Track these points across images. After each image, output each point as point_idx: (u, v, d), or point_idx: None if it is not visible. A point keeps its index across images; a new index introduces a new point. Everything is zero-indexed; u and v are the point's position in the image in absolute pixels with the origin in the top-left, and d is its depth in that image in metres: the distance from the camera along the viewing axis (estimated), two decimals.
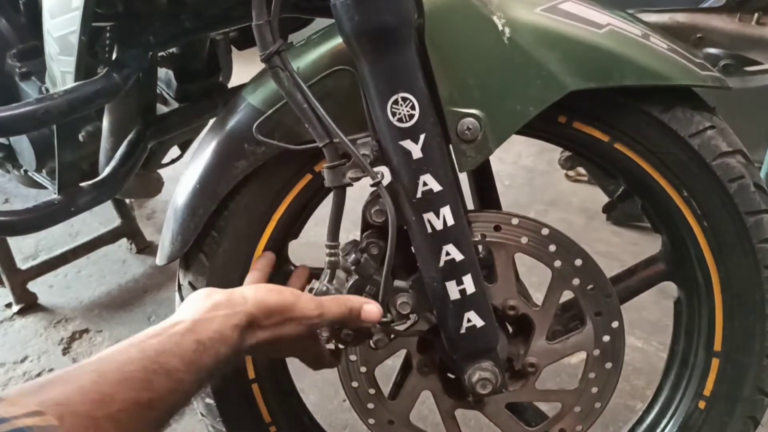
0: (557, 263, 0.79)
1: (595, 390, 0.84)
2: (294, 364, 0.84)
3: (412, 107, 0.66)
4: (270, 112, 0.72)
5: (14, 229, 1.10)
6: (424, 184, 0.68)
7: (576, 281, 0.80)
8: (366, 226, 0.75)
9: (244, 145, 0.76)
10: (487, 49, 0.69)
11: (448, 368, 0.85)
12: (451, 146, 0.71)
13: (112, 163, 1.14)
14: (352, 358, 0.83)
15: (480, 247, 0.82)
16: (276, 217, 0.82)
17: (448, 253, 0.71)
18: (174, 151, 1.64)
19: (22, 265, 1.82)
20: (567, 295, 0.82)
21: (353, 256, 0.74)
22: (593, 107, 0.76)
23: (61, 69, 0.96)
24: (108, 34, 0.99)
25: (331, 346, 0.77)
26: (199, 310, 0.61)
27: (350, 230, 0.75)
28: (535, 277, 0.94)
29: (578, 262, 0.79)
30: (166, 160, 1.54)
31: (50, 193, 1.11)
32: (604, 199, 2.01)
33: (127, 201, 2.05)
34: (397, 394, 0.87)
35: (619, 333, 0.82)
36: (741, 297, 0.82)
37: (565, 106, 0.73)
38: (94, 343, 1.69)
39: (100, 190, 1.13)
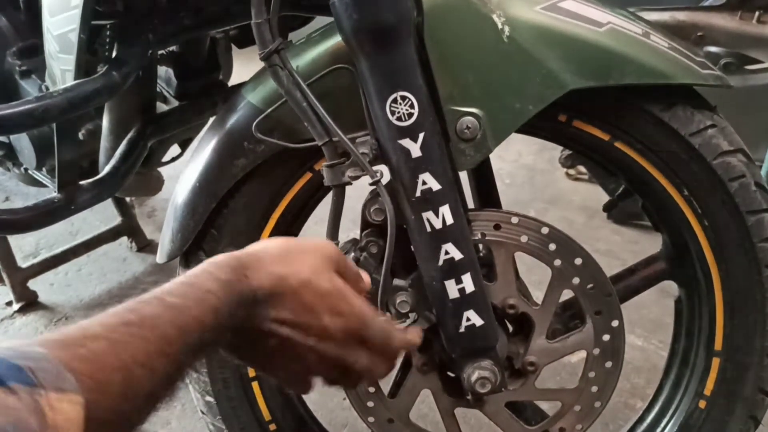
0: (557, 262, 0.79)
1: (595, 389, 0.84)
2: None
3: (411, 106, 0.66)
4: (269, 110, 0.72)
5: (15, 227, 1.10)
6: (423, 182, 0.68)
7: (576, 280, 0.80)
8: (365, 224, 0.75)
9: (244, 143, 0.76)
10: (487, 47, 0.69)
11: (448, 367, 0.85)
12: (450, 145, 0.71)
13: (112, 162, 1.14)
14: None
15: (480, 246, 0.82)
16: (275, 215, 0.82)
17: (447, 252, 0.71)
18: (174, 150, 1.64)
19: (23, 263, 1.82)
20: (567, 294, 0.82)
21: (352, 254, 0.74)
22: (593, 106, 0.76)
23: (61, 67, 0.96)
24: (108, 32, 1.00)
25: None
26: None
27: (350, 229, 0.75)
28: (535, 275, 0.94)
29: (578, 260, 0.79)
30: (166, 158, 1.54)
31: (50, 192, 1.12)
32: (605, 197, 2.01)
33: (128, 199, 2.05)
34: (397, 392, 0.87)
35: (619, 332, 0.82)
36: (741, 296, 0.82)
37: (565, 105, 0.73)
38: None
39: (100, 188, 1.13)
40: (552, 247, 0.78)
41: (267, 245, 0.58)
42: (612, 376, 0.84)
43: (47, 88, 1.10)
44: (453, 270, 0.72)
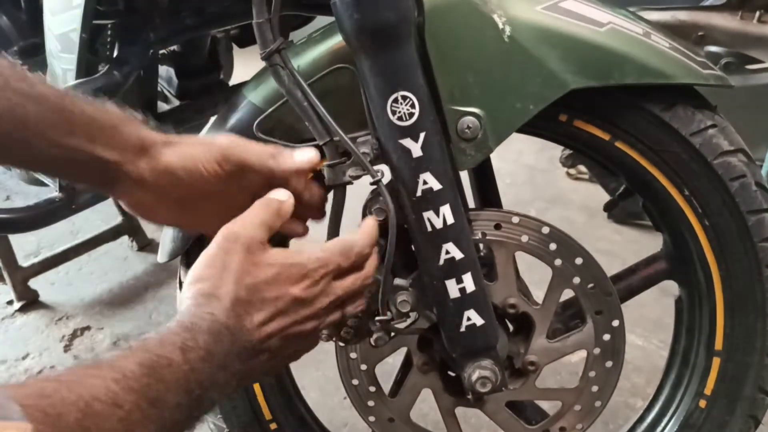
0: (558, 262, 0.79)
1: (595, 388, 0.84)
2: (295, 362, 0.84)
3: (412, 105, 0.66)
4: (270, 110, 0.72)
5: (15, 227, 1.11)
6: (424, 182, 0.68)
7: (576, 280, 0.80)
8: None
9: None
10: (488, 47, 0.69)
11: (449, 366, 0.85)
12: (451, 144, 0.71)
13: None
14: (353, 356, 0.83)
15: (480, 246, 0.82)
16: None
17: (447, 252, 0.71)
18: None
19: (24, 263, 1.82)
20: (568, 294, 0.82)
21: None
22: (594, 106, 0.76)
23: (62, 66, 0.96)
24: (109, 32, 1.00)
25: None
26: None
27: (350, 228, 0.75)
28: (535, 275, 0.94)
29: (579, 260, 0.79)
30: None
31: (51, 191, 1.12)
32: (605, 197, 2.01)
33: None
34: (398, 391, 0.87)
35: (619, 331, 0.82)
36: (742, 296, 0.82)
37: (565, 105, 0.73)
38: (95, 341, 1.69)
39: None
40: (552, 246, 0.78)
41: (202, 268, 0.59)
42: (612, 376, 0.84)
43: None
44: (454, 269, 0.72)
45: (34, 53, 1.22)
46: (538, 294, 0.83)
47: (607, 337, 0.82)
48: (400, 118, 0.66)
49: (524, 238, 0.78)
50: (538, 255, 0.79)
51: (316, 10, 1.05)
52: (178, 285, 0.87)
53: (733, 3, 1.09)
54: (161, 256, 0.83)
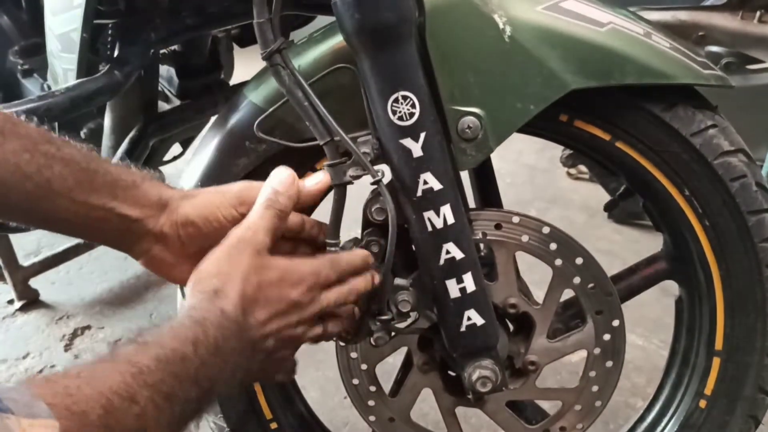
0: (558, 261, 0.79)
1: (595, 388, 0.84)
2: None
3: (413, 105, 0.66)
4: (271, 109, 0.72)
5: (16, 226, 1.10)
6: (425, 182, 0.68)
7: (577, 280, 0.80)
8: (366, 224, 0.75)
9: (245, 142, 0.76)
10: (488, 47, 0.69)
11: (449, 366, 0.85)
12: (451, 144, 0.71)
13: (114, 160, 1.15)
14: (353, 355, 0.83)
15: (481, 245, 0.82)
16: None
17: (448, 252, 0.71)
18: (175, 149, 1.64)
19: (24, 262, 1.82)
20: (568, 294, 0.82)
21: None
22: (595, 106, 0.76)
23: (63, 66, 0.96)
24: (109, 32, 1.00)
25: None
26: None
27: (351, 228, 0.75)
28: (536, 275, 0.94)
29: (579, 260, 0.79)
30: (167, 157, 1.54)
31: None
32: (606, 197, 2.01)
33: None
34: (398, 391, 0.87)
35: (619, 331, 0.82)
36: (742, 296, 0.82)
37: (566, 105, 0.73)
38: (95, 340, 1.69)
39: None
40: (553, 246, 0.78)
41: (211, 265, 0.62)
42: (613, 376, 0.84)
43: (49, 87, 1.11)
44: (454, 269, 0.72)
45: (35, 53, 1.22)
46: (539, 294, 0.83)
47: (607, 336, 0.82)
48: (400, 118, 0.66)
49: (525, 238, 0.78)
50: (539, 255, 0.79)
51: (317, 10, 1.05)
52: (178, 285, 0.87)
53: (734, 3, 1.09)
54: None
